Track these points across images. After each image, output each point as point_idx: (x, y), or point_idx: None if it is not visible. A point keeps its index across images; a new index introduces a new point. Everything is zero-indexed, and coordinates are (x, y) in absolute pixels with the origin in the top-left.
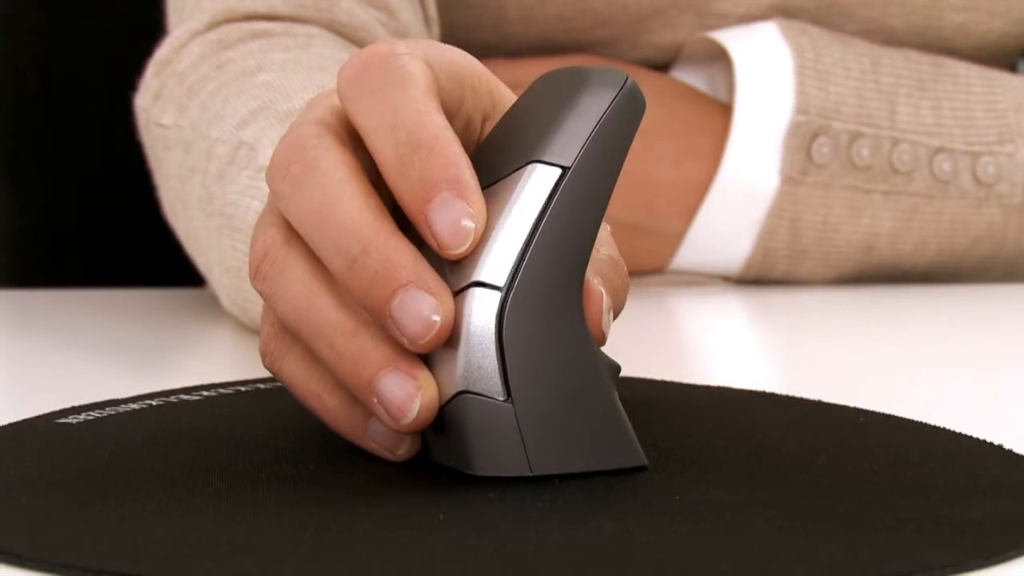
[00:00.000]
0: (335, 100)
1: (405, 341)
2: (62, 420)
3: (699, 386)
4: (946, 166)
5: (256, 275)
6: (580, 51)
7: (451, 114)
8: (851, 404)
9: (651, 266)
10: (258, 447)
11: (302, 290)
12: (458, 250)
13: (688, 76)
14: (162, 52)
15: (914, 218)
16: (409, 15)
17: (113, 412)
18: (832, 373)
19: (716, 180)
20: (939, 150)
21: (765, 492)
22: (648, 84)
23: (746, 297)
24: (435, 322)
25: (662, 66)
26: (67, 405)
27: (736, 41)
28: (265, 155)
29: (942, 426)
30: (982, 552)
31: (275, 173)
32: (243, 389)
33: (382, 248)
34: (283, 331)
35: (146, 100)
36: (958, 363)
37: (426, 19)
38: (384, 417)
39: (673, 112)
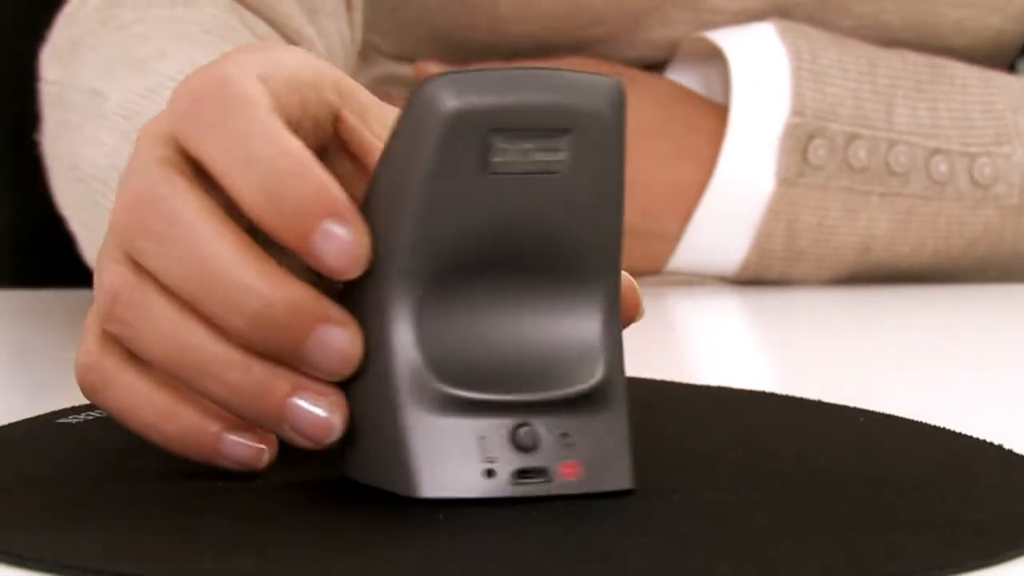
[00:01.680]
0: (169, 128)
1: (322, 375)
2: (62, 420)
3: (699, 386)
4: (943, 167)
5: (110, 318)
6: (576, 50)
7: (296, 122)
8: (851, 404)
9: (647, 268)
10: None
11: (172, 329)
12: (352, 274)
13: (684, 76)
14: (68, 6)
15: (911, 220)
16: None
17: None
18: (832, 373)
19: (712, 183)
20: (936, 151)
21: (765, 492)
22: (644, 86)
23: (746, 297)
24: (354, 353)
25: (658, 64)
26: (67, 405)
27: (732, 42)
28: (113, 103)
29: (942, 426)
30: (982, 552)
31: (131, 229)
32: None
33: (284, 299)
34: (110, 351)
35: (44, 55)
36: (958, 363)
37: (348, 3)
38: (300, 440)
39: (669, 114)
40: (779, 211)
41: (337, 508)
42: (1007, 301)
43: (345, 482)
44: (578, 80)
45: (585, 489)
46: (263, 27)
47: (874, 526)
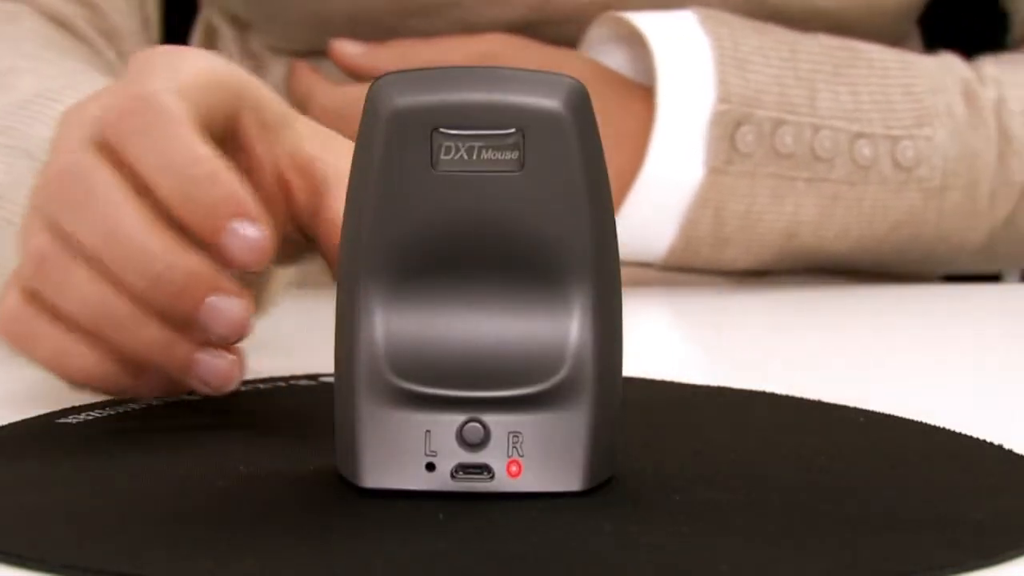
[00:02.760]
0: (97, 129)
1: (214, 339)
2: (62, 420)
3: (699, 386)
4: (866, 151)
5: (35, 276)
6: (441, 9)
7: (209, 122)
8: (851, 404)
9: None
10: (258, 447)
11: (89, 288)
12: (258, 267)
13: (599, 54)
14: None
15: (836, 205)
16: (121, 17)
17: (113, 412)
18: (832, 373)
19: (641, 174)
20: (859, 135)
21: (765, 492)
22: (571, 68)
23: (746, 297)
24: (242, 320)
25: (531, 25)
26: (67, 405)
27: (653, 28)
28: None
29: (942, 426)
30: (982, 552)
31: (54, 198)
32: (243, 389)
33: (183, 265)
34: (32, 306)
35: None
36: (958, 363)
37: (145, 21)
38: (203, 388)
39: (598, 95)
40: (707, 199)
41: (337, 508)
42: (1007, 301)
43: (344, 482)
44: (532, 79)
45: (529, 488)
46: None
47: (874, 526)
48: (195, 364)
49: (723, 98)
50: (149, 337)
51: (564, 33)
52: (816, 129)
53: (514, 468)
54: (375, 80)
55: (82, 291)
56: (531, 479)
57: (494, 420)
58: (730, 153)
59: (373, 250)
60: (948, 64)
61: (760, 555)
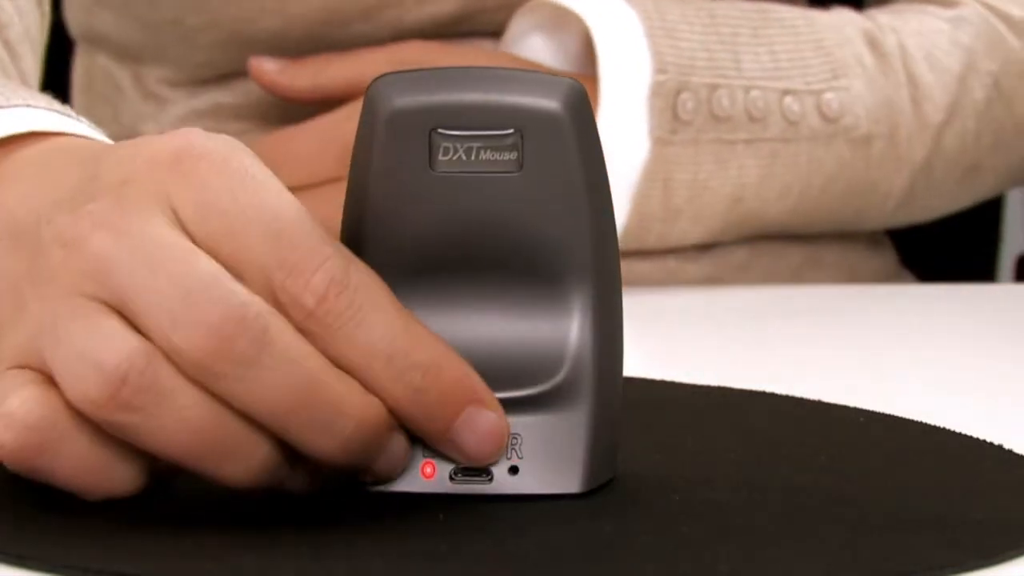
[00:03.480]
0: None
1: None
2: None
3: (699, 386)
4: (795, 107)
5: (113, 402)
6: (366, 14)
7: None
8: (851, 404)
9: None
10: None
11: (197, 417)
12: (494, 457)
13: (524, 42)
14: None
15: (775, 163)
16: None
17: None
18: (832, 373)
19: None
20: (785, 92)
21: (765, 492)
22: (487, 61)
23: (745, 297)
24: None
25: (452, 22)
26: None
27: (583, 7)
28: None
29: (942, 426)
30: (982, 552)
31: (218, 353)
32: None
33: (376, 415)
34: (65, 411)
35: None
36: (958, 363)
37: (42, 13)
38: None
39: None
40: (655, 172)
41: (337, 508)
42: (1007, 301)
43: (346, 481)
44: (531, 80)
45: (527, 491)
46: None
47: (874, 526)
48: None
49: (660, 68)
50: (262, 460)
51: (499, 21)
52: (747, 90)
53: (513, 471)
54: (374, 80)
55: (180, 419)
56: (530, 481)
57: None
58: (673, 123)
59: (371, 250)
60: (846, 17)
61: (760, 555)
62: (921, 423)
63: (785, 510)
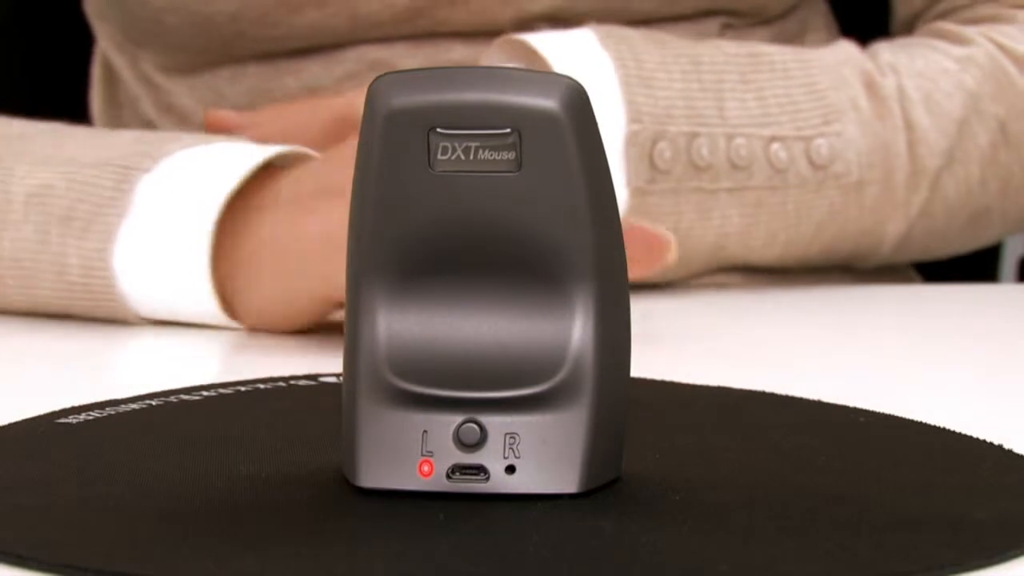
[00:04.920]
0: None
1: None
2: (62, 420)
3: (699, 386)
4: (782, 155)
5: None
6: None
7: None
8: (851, 404)
9: None
10: (258, 447)
11: None
12: None
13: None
14: None
15: (760, 212)
16: None
17: (113, 412)
18: (832, 373)
19: None
20: (772, 139)
21: (765, 492)
22: None
23: (745, 297)
24: None
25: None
26: (67, 405)
27: (554, 51)
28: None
29: (942, 426)
30: (982, 552)
31: None
32: (243, 389)
33: None
34: None
35: None
36: (958, 363)
37: None
38: None
39: None
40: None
41: (337, 507)
42: (1007, 301)
43: (345, 482)
44: (528, 79)
45: (524, 490)
46: None
47: (874, 526)
48: None
49: (634, 118)
50: None
51: (457, 19)
52: (730, 138)
53: (511, 470)
54: (374, 80)
55: None
56: (527, 480)
57: (491, 421)
58: (651, 172)
59: (373, 250)
60: (846, 56)
61: (760, 555)
62: (921, 423)
63: (785, 510)
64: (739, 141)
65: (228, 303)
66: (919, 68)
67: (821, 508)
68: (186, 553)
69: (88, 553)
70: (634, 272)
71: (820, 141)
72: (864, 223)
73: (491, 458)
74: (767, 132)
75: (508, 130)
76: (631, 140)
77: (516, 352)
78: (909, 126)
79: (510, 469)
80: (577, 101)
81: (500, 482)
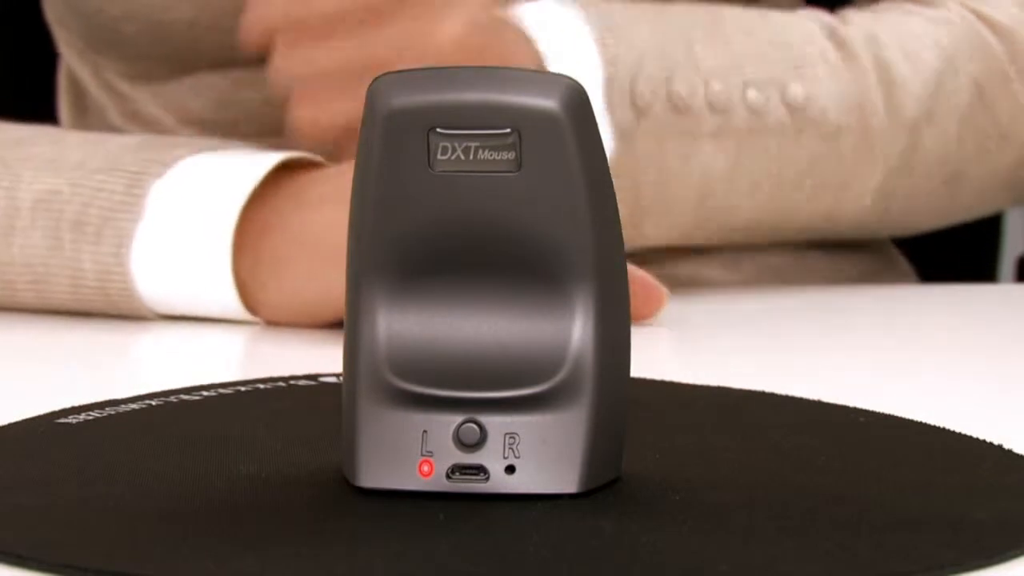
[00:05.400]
0: None
1: None
2: (62, 420)
3: (699, 386)
4: (758, 98)
5: None
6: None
7: None
8: (851, 404)
9: None
10: (258, 447)
11: None
12: None
13: None
14: None
15: (742, 156)
16: None
17: (113, 412)
18: (832, 373)
19: None
20: (747, 84)
21: (765, 492)
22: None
23: (745, 297)
24: None
25: None
26: (67, 405)
27: (524, 13)
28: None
29: (942, 426)
30: (982, 552)
31: None
32: (243, 389)
33: None
34: None
35: None
36: (958, 363)
37: None
38: None
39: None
40: (621, 171)
41: (337, 507)
42: (1007, 301)
43: (346, 482)
44: (528, 79)
45: (524, 490)
46: None
47: (874, 526)
48: None
49: (610, 62)
50: None
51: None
52: (706, 83)
53: (511, 470)
54: (374, 80)
55: None
56: (527, 480)
57: (491, 421)
58: (632, 112)
59: (373, 250)
60: (809, 15)
61: (760, 555)
62: (921, 423)
63: (785, 510)
64: (715, 86)
65: (248, 298)
66: (892, 22)
67: (821, 508)
68: (186, 553)
69: (88, 553)
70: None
71: (794, 85)
72: (844, 174)
73: (491, 458)
74: (740, 77)
75: (508, 130)
76: (609, 84)
77: (516, 352)
78: (885, 73)
79: (510, 469)
80: (577, 101)
81: (500, 482)
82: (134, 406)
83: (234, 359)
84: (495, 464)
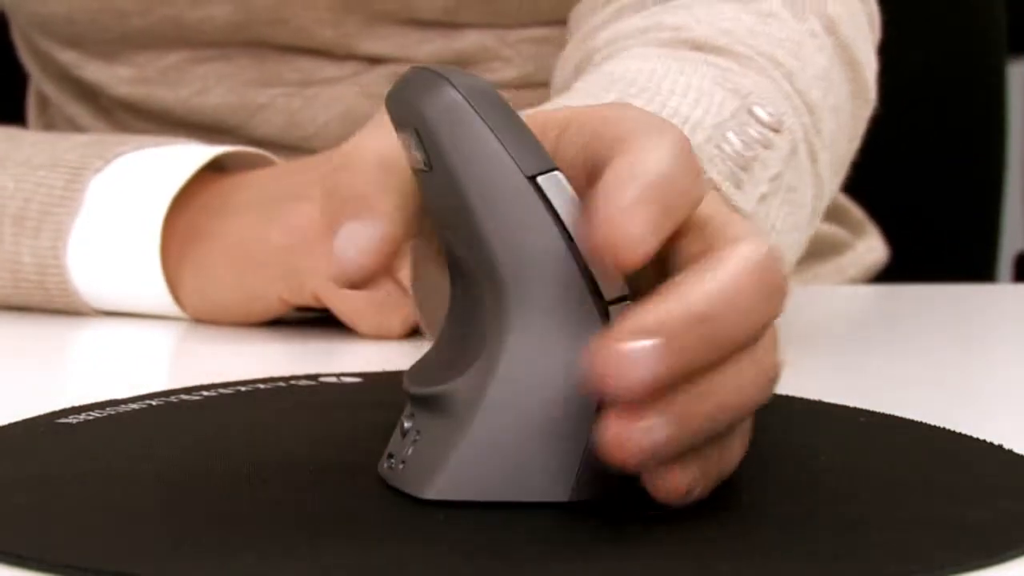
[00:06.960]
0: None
1: None
2: (62, 420)
3: None
4: (739, 136)
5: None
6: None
7: None
8: (851, 404)
9: None
10: (258, 448)
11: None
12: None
13: None
14: None
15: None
16: None
17: (113, 412)
18: (832, 373)
19: None
20: (721, 125)
21: (765, 492)
22: None
23: None
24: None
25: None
26: (67, 405)
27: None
28: None
29: (942, 426)
30: (982, 552)
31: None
32: (243, 389)
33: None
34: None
35: None
36: (957, 363)
37: None
38: None
39: None
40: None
41: (338, 507)
42: (1006, 300)
43: (346, 482)
44: (424, 77)
45: (396, 484)
46: None
47: (874, 526)
48: None
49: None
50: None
51: (279, 35)
52: (722, 133)
53: (402, 463)
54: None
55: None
56: (401, 476)
57: (418, 415)
58: (731, 169)
59: None
60: (647, 52)
61: (760, 555)
62: (921, 423)
63: (785, 510)
64: (729, 135)
65: (178, 294)
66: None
67: (821, 508)
68: (186, 553)
69: (88, 553)
70: None
71: (755, 108)
72: (857, 127)
73: (400, 449)
74: (714, 120)
75: (410, 130)
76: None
77: (449, 351)
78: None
79: (402, 462)
80: (462, 102)
81: (393, 473)
82: (134, 406)
83: (234, 359)
84: (398, 454)
